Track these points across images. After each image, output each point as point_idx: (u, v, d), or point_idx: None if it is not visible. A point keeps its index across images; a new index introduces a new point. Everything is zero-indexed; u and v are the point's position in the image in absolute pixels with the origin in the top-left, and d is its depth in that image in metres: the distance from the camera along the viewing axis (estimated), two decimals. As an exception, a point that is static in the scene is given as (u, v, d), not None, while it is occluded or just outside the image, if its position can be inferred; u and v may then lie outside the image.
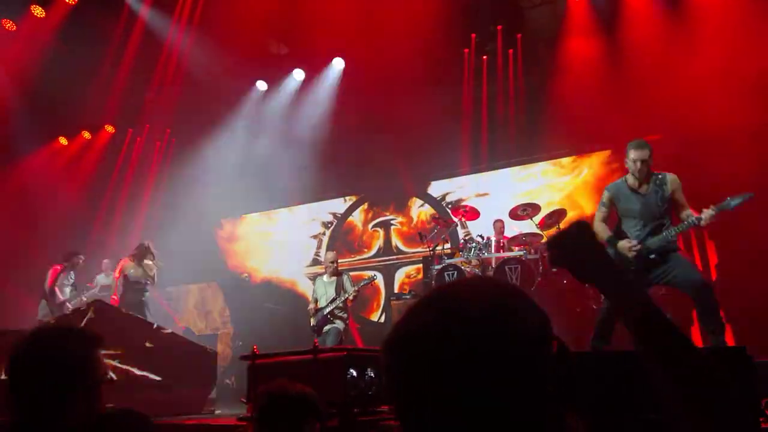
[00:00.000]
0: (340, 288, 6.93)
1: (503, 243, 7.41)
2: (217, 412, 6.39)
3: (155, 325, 6.53)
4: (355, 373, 3.52)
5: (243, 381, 4.52)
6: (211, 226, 12.05)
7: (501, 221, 7.70)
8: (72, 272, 8.36)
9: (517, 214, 7.24)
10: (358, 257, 10.68)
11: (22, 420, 1.48)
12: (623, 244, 4.28)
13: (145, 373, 5.97)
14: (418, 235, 8.14)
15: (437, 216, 9.07)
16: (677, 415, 0.85)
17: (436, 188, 10.31)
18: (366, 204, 10.93)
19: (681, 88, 7.06)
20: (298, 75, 10.44)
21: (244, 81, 10.42)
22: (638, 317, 0.92)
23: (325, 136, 9.87)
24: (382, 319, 9.84)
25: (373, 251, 10.60)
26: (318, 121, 10.06)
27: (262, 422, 2.00)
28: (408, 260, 10.17)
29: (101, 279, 8.84)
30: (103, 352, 1.59)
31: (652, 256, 4.20)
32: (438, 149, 9.49)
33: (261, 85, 10.69)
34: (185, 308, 11.50)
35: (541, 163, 9.41)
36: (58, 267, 8.20)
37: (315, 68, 10.19)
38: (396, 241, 10.45)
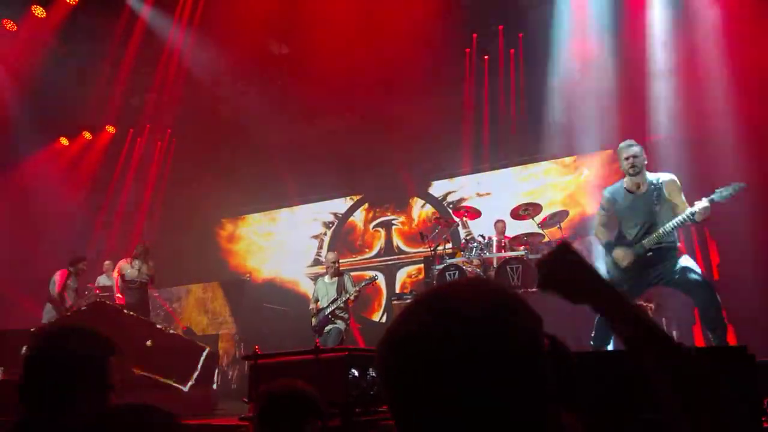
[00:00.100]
0: (341, 288, 6.93)
1: (505, 243, 7.41)
2: (218, 412, 6.39)
3: (155, 325, 6.54)
4: (356, 373, 3.52)
5: (244, 381, 4.53)
6: (212, 226, 12.06)
7: (502, 221, 7.69)
8: (75, 277, 8.39)
9: (518, 213, 7.23)
10: (359, 257, 10.69)
11: (31, 418, 1.49)
12: (618, 253, 4.28)
13: (145, 373, 5.98)
14: (419, 235, 8.13)
15: (438, 216, 9.07)
16: (677, 416, 0.85)
17: (437, 188, 10.31)
18: (367, 204, 10.93)
19: (681, 88, 7.05)
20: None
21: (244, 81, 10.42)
22: (630, 335, 0.92)
23: (327, 135, 9.87)
24: (384, 320, 9.85)
25: (375, 251, 10.60)
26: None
27: (263, 422, 2.00)
28: (409, 260, 10.17)
29: (103, 280, 8.84)
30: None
31: (650, 254, 4.20)
32: (439, 149, 9.49)
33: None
34: (186, 308, 11.51)
35: (542, 163, 9.41)
36: (65, 272, 8.22)
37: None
38: (397, 241, 10.45)
